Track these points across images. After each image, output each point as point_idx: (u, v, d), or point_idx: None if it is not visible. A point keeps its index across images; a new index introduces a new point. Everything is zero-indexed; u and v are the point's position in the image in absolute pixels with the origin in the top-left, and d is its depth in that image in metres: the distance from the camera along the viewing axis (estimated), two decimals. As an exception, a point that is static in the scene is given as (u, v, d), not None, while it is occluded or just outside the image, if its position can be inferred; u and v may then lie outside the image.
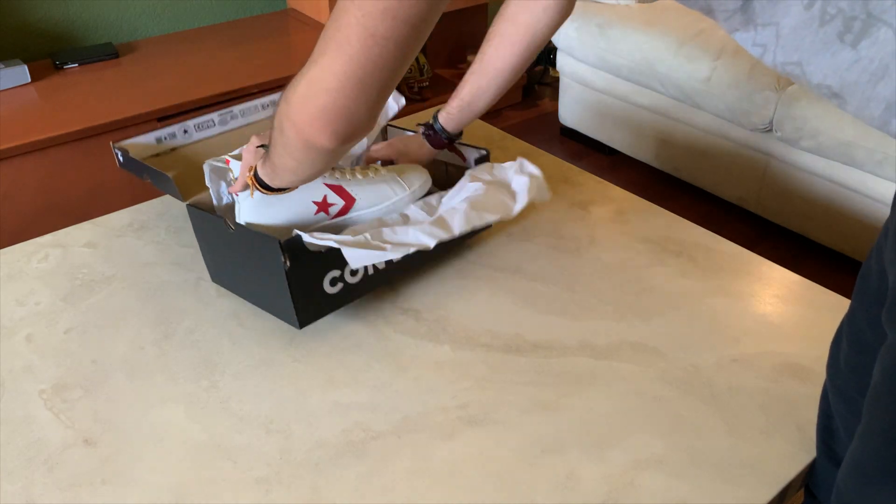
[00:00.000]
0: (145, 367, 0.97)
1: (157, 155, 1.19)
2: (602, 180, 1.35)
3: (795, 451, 0.86)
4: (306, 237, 0.91)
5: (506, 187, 1.05)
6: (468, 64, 3.47)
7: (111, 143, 1.16)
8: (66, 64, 2.18)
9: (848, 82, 0.61)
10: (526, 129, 2.98)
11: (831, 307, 1.06)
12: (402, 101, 1.22)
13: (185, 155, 1.21)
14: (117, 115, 1.92)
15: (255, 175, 0.92)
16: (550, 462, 0.84)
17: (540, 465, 0.84)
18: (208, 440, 0.87)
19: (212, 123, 1.25)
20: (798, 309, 1.06)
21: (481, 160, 1.17)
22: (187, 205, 1.06)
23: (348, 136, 0.66)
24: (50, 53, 2.25)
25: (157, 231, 1.23)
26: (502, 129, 1.55)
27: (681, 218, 1.25)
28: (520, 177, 1.05)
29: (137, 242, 1.20)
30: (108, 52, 2.24)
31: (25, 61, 2.14)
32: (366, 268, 1.01)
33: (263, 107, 1.31)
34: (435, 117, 1.15)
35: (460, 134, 1.16)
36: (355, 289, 1.02)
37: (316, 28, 2.48)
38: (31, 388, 0.94)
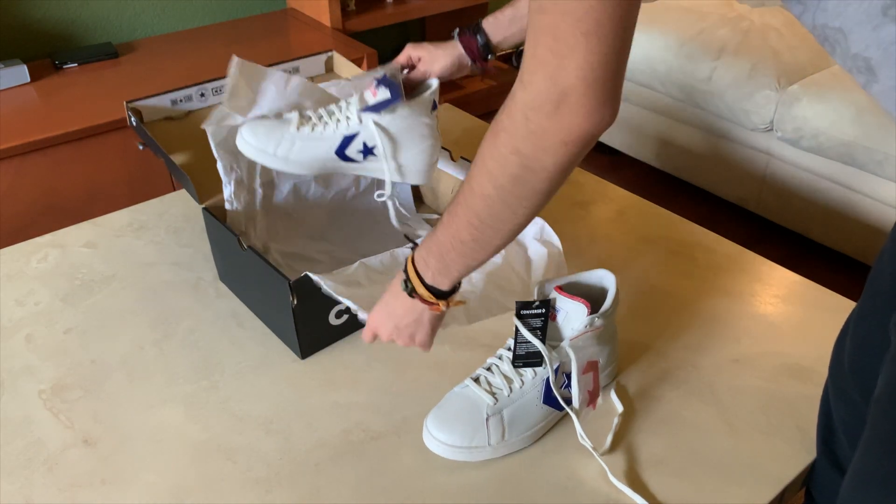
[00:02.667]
0: (145, 367, 0.97)
1: (171, 118, 1.17)
2: (602, 180, 1.35)
3: (795, 451, 0.86)
4: (324, 287, 0.89)
5: (523, 251, 1.00)
6: (468, 64, 3.40)
7: (125, 102, 1.12)
8: (66, 64, 2.17)
9: (890, 56, 0.58)
10: (526, 129, 2.98)
11: (831, 307, 1.06)
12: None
13: (200, 120, 1.18)
14: (117, 114, 1.91)
15: (426, 286, 0.78)
16: (550, 462, 0.84)
17: (540, 465, 0.84)
18: (208, 440, 0.87)
19: None
20: (798, 309, 1.06)
21: None
22: (203, 209, 1.05)
23: (618, 92, 0.62)
24: (49, 53, 2.24)
25: (157, 231, 1.23)
26: (502, 128, 1.54)
27: (681, 218, 1.25)
28: (538, 245, 0.99)
29: (137, 242, 1.20)
30: (108, 52, 2.24)
31: (25, 61, 2.14)
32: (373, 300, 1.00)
33: (285, 72, 1.30)
34: (479, 23, 1.02)
35: (494, 55, 1.02)
36: (361, 319, 1.01)
37: (315, 27, 2.48)
38: (31, 389, 0.94)
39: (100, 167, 1.95)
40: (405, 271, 0.79)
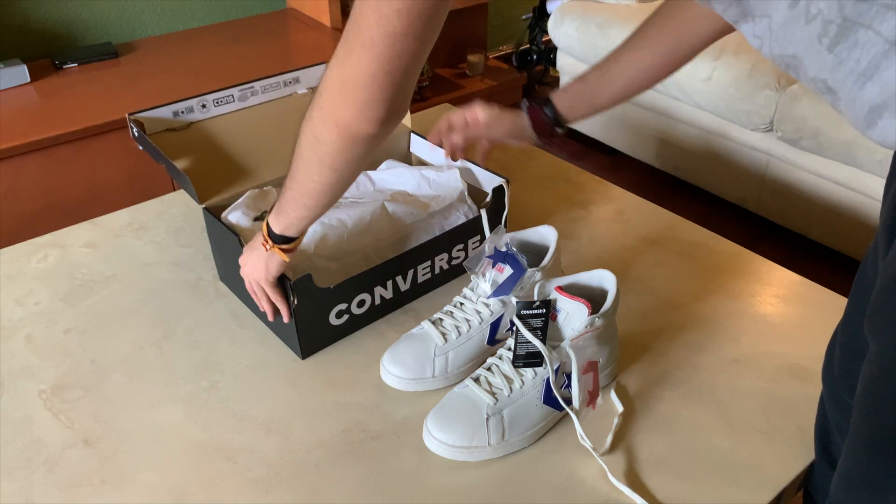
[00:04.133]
0: (145, 367, 0.97)
1: (173, 129, 1.17)
2: (602, 180, 1.35)
3: (795, 452, 0.86)
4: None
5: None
6: (468, 63, 3.44)
7: (127, 114, 1.13)
8: (66, 64, 2.18)
9: (836, 80, 0.60)
10: (526, 129, 2.98)
11: (831, 307, 1.06)
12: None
13: (201, 131, 1.19)
14: (117, 114, 1.91)
15: (270, 233, 0.87)
16: (550, 462, 0.84)
17: (540, 465, 0.84)
18: (208, 440, 0.87)
19: (231, 99, 1.23)
20: (798, 309, 1.06)
21: (498, 191, 1.08)
22: (203, 209, 1.05)
23: (389, 120, 0.72)
24: (49, 53, 2.24)
25: (157, 231, 1.23)
26: (502, 128, 1.54)
27: (681, 218, 1.25)
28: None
29: (137, 242, 1.20)
30: (108, 52, 2.24)
31: (25, 61, 2.14)
32: (372, 298, 1.01)
33: (286, 83, 1.28)
34: (548, 97, 1.03)
35: (567, 130, 1.04)
36: (361, 319, 1.01)
37: (315, 27, 2.48)
38: (31, 389, 0.94)
39: (100, 167, 1.95)
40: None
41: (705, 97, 2.26)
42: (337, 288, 0.95)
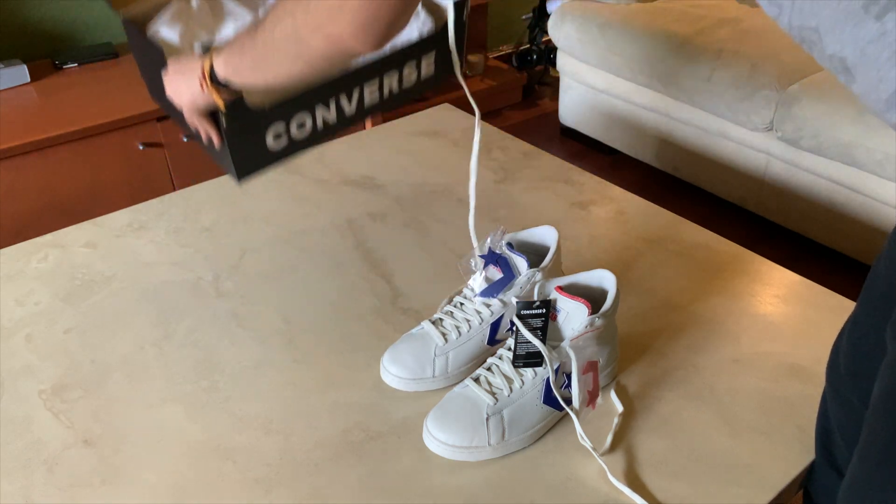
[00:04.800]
0: (145, 367, 0.97)
1: None
2: (602, 180, 1.35)
3: (795, 452, 0.86)
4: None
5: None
6: (468, 63, 3.44)
7: None
8: (66, 64, 2.18)
9: (867, 56, 0.59)
10: (526, 129, 2.98)
11: (832, 307, 1.06)
12: None
13: None
14: (117, 114, 1.91)
15: (212, 74, 0.82)
16: (550, 462, 0.84)
17: (540, 465, 0.84)
18: (208, 440, 0.87)
19: None
20: (798, 309, 1.06)
21: (459, 6, 0.98)
22: (123, 20, 0.99)
23: (380, 43, 0.70)
24: (50, 53, 2.24)
25: (157, 231, 1.23)
26: (502, 128, 1.55)
27: (681, 218, 1.25)
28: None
29: (137, 242, 1.20)
30: (108, 52, 2.24)
31: (25, 61, 2.14)
32: (314, 121, 0.95)
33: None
34: None
35: None
36: (302, 143, 0.95)
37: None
38: (31, 389, 0.94)
39: (100, 167, 1.95)
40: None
41: (705, 97, 2.26)
42: (272, 108, 0.89)
